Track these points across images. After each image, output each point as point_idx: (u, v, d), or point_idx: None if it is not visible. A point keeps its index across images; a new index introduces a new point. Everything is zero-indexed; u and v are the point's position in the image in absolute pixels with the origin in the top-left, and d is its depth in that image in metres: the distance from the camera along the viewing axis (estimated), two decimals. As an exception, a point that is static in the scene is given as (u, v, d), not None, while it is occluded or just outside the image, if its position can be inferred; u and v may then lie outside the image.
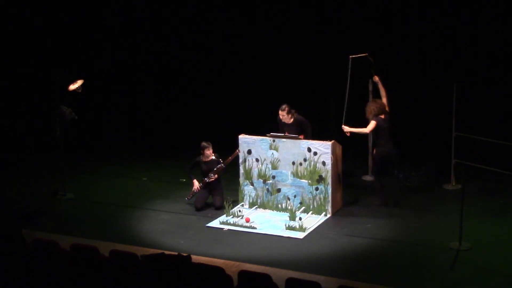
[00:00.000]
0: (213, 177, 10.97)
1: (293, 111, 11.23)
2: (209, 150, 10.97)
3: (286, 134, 11.02)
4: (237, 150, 10.99)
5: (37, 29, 14.68)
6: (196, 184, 11.07)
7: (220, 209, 10.81)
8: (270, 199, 10.89)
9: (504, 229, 10.06)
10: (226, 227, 10.24)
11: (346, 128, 10.81)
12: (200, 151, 11.01)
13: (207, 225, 10.39)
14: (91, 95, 13.54)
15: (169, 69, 14.81)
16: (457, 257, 9.07)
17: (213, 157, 11.01)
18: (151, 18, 14.71)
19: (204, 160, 11.01)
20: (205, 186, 11.04)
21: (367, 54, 11.15)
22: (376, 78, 11.27)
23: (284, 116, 11.15)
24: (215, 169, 10.97)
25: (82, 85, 11.56)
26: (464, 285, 8.43)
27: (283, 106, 11.17)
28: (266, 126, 11.51)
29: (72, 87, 11.54)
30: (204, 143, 10.99)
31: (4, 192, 12.05)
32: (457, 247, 9.26)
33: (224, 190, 11.22)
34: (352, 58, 10.97)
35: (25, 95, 14.65)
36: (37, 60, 14.65)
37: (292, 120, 11.22)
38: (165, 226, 10.38)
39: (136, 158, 13.98)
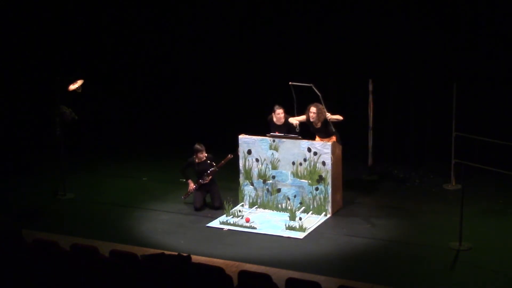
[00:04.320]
0: (207, 179, 10.99)
1: (287, 115, 11.25)
2: (202, 153, 11.00)
3: (286, 134, 11.03)
4: (229, 155, 11.00)
5: (37, 29, 14.69)
6: (192, 185, 11.09)
7: (219, 209, 10.82)
8: (270, 199, 10.89)
9: (504, 229, 10.06)
10: (226, 227, 10.24)
11: (331, 116, 10.77)
12: (193, 153, 11.03)
13: (207, 225, 10.39)
14: (91, 95, 13.53)
15: (169, 69, 14.82)
16: (457, 257, 9.08)
17: (206, 159, 11.03)
18: (151, 18, 14.72)
19: (197, 161, 11.04)
20: (200, 186, 11.07)
21: (312, 85, 10.77)
22: (329, 116, 10.76)
23: (281, 114, 11.14)
24: (208, 171, 10.99)
25: (82, 85, 11.57)
26: (464, 285, 8.43)
27: (279, 106, 11.16)
28: (266, 126, 11.51)
29: (72, 87, 11.54)
30: (197, 146, 11.01)
31: (4, 192, 12.05)
32: (457, 247, 9.26)
33: (224, 190, 11.23)
34: (292, 85, 10.85)
35: (25, 95, 14.65)
36: (37, 60, 14.66)
37: (283, 121, 11.21)
38: (165, 226, 10.38)
39: (136, 158, 13.99)
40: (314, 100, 10.81)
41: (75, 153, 13.53)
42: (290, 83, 10.87)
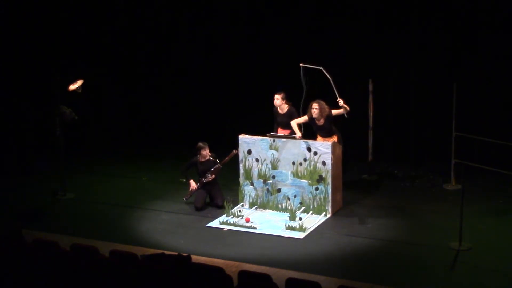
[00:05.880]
0: (210, 177, 10.99)
1: (290, 103, 11.36)
2: (205, 150, 10.99)
3: (285, 133, 11.03)
4: (234, 151, 11.01)
5: (37, 29, 14.69)
6: (193, 184, 11.08)
7: (222, 208, 10.80)
8: (270, 199, 10.89)
9: (504, 229, 10.06)
10: (226, 227, 10.24)
11: (341, 102, 10.84)
12: (197, 151, 11.03)
13: (207, 225, 10.39)
14: (91, 95, 13.54)
15: (169, 68, 14.82)
16: (457, 257, 9.08)
17: (210, 157, 11.03)
18: (152, 18, 14.73)
19: (200, 160, 11.03)
20: (202, 186, 11.06)
21: (321, 68, 10.95)
22: (341, 102, 10.84)
23: (278, 100, 11.27)
24: (212, 169, 10.99)
25: (82, 85, 11.57)
26: (464, 285, 8.43)
27: (280, 91, 11.34)
28: (266, 126, 11.52)
29: (72, 87, 11.54)
30: (200, 144, 11.02)
31: (4, 192, 12.05)
32: (457, 247, 9.26)
33: (224, 190, 11.24)
34: (303, 66, 11.00)
35: (25, 95, 14.65)
36: (37, 60, 14.66)
37: (285, 110, 11.31)
38: (165, 226, 10.38)
39: (136, 158, 13.99)
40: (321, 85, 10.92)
41: (75, 153, 13.52)
42: (301, 64, 10.93)
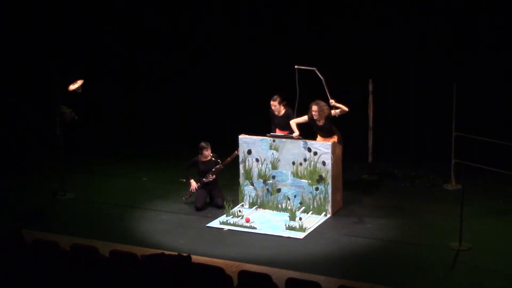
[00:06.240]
0: (211, 177, 10.99)
1: (284, 102, 11.37)
2: (207, 150, 10.99)
3: (284, 133, 11.03)
4: (235, 151, 11.01)
5: (37, 29, 14.70)
6: (194, 184, 11.08)
7: (222, 208, 10.80)
8: (270, 199, 10.88)
9: (504, 229, 10.06)
10: (226, 227, 10.24)
11: (333, 102, 10.84)
12: (199, 151, 11.03)
13: (207, 225, 10.39)
14: (91, 95, 13.54)
15: (169, 68, 14.82)
16: (457, 257, 9.07)
17: (212, 158, 11.03)
18: (152, 18, 14.73)
19: (202, 160, 11.03)
20: (203, 186, 11.06)
21: (315, 69, 10.99)
22: (333, 102, 10.86)
23: (276, 106, 11.30)
24: (213, 169, 11.00)
25: (82, 85, 11.57)
26: (464, 285, 8.43)
27: (275, 97, 11.34)
28: (266, 126, 11.52)
29: (72, 87, 11.54)
30: (203, 144, 11.02)
31: (4, 192, 12.05)
32: (457, 247, 9.26)
33: (224, 190, 11.24)
34: (298, 68, 11.03)
35: (25, 95, 14.65)
36: (37, 60, 14.66)
37: (283, 112, 11.33)
38: (165, 226, 10.38)
39: (136, 158, 13.98)
40: (316, 85, 10.91)
41: (75, 153, 13.52)
42: (296, 66, 10.96)
